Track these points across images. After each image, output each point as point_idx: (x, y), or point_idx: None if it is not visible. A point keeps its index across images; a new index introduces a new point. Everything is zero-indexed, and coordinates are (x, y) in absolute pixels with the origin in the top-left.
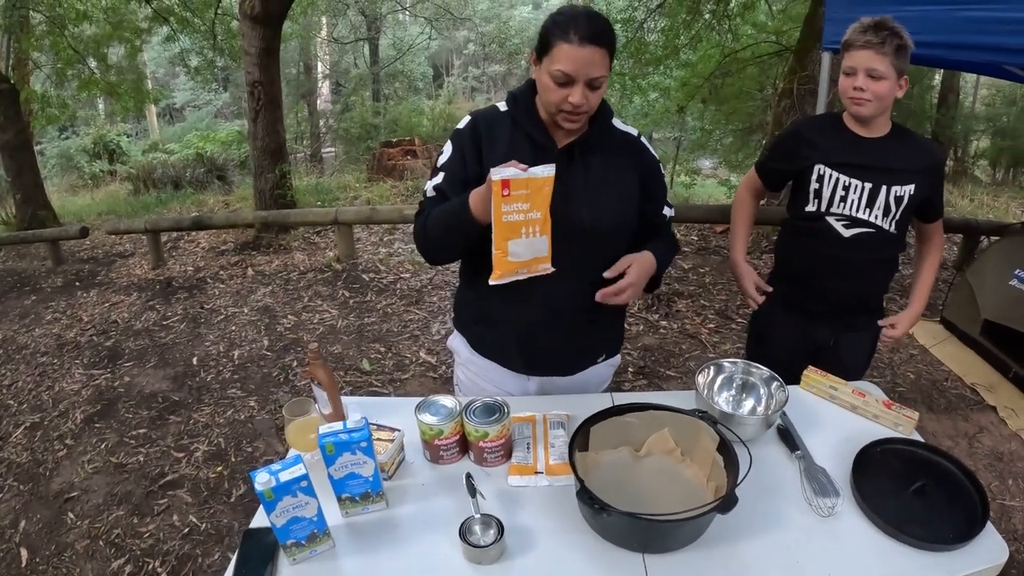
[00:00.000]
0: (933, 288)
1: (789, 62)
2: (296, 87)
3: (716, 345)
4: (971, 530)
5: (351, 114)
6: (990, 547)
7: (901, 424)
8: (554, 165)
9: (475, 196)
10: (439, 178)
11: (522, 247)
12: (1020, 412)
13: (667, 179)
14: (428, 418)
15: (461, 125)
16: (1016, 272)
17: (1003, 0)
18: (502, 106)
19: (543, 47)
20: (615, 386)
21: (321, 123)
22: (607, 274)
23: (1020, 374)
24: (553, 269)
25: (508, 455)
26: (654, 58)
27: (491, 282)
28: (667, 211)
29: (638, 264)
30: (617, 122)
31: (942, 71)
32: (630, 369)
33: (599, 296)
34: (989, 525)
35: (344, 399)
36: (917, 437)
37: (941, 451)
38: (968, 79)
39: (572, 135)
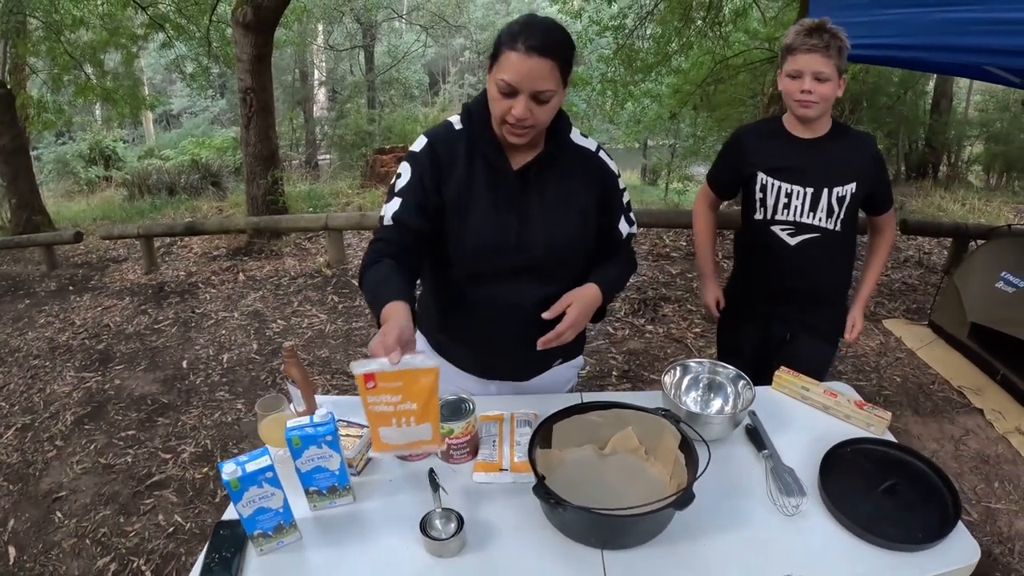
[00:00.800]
0: (923, 292)
1: (777, 67)
2: (292, 94)
3: (702, 349)
4: (942, 530)
5: (346, 121)
6: (962, 547)
7: (873, 424)
8: (437, 364)
9: (385, 314)
10: (396, 205)
11: (395, 433)
12: (1008, 415)
13: (662, 187)
14: None
15: (417, 148)
16: (1002, 274)
17: (980, 2)
18: (456, 122)
19: (494, 54)
20: (599, 388)
21: (317, 130)
22: (546, 315)
23: (1008, 377)
24: (444, 448)
25: (474, 452)
26: (645, 65)
27: (371, 453)
28: (625, 227)
29: (579, 303)
30: (575, 135)
31: (935, 77)
32: (614, 373)
33: (540, 344)
34: (961, 525)
35: (318, 398)
36: (890, 437)
37: (912, 451)
38: (961, 85)
39: (528, 154)
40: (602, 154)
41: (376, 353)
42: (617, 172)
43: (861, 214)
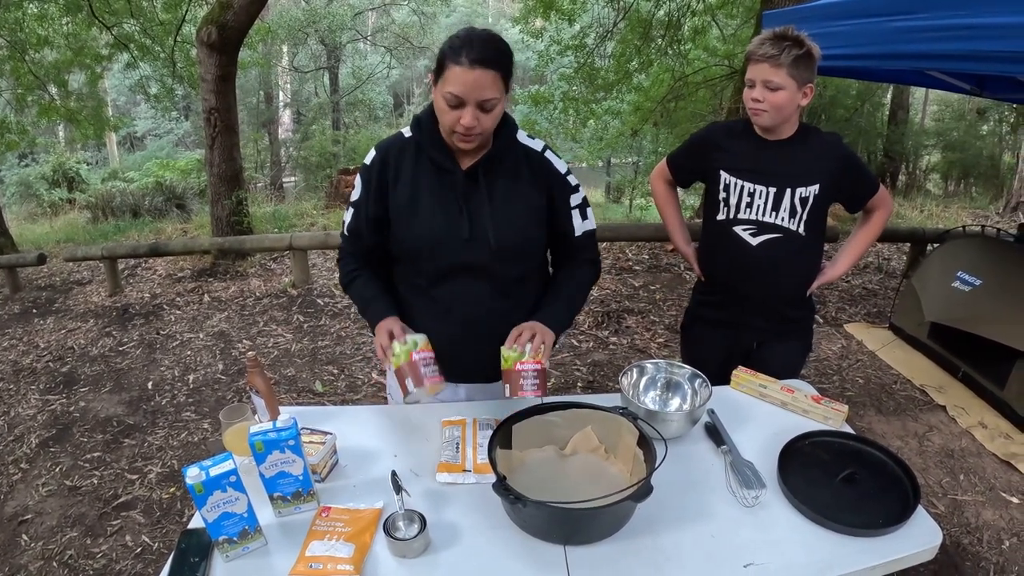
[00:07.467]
0: (883, 296)
1: (735, 83)
2: (257, 116)
3: (665, 359)
4: (902, 515)
5: (311, 142)
6: (922, 531)
7: (831, 417)
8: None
9: (381, 328)
10: (349, 217)
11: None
12: (970, 410)
13: (626, 203)
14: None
15: (368, 160)
16: (958, 274)
17: (924, 10)
18: (407, 132)
19: (438, 69)
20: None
21: (282, 151)
22: (505, 349)
23: (969, 373)
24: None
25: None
26: (606, 83)
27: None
28: (579, 225)
29: (535, 330)
30: (522, 136)
31: (891, 89)
32: (579, 384)
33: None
34: (921, 509)
35: (283, 408)
36: (847, 429)
37: (870, 441)
38: (917, 96)
39: (475, 155)
40: (548, 154)
41: (380, 356)
42: (565, 171)
43: (831, 221)
